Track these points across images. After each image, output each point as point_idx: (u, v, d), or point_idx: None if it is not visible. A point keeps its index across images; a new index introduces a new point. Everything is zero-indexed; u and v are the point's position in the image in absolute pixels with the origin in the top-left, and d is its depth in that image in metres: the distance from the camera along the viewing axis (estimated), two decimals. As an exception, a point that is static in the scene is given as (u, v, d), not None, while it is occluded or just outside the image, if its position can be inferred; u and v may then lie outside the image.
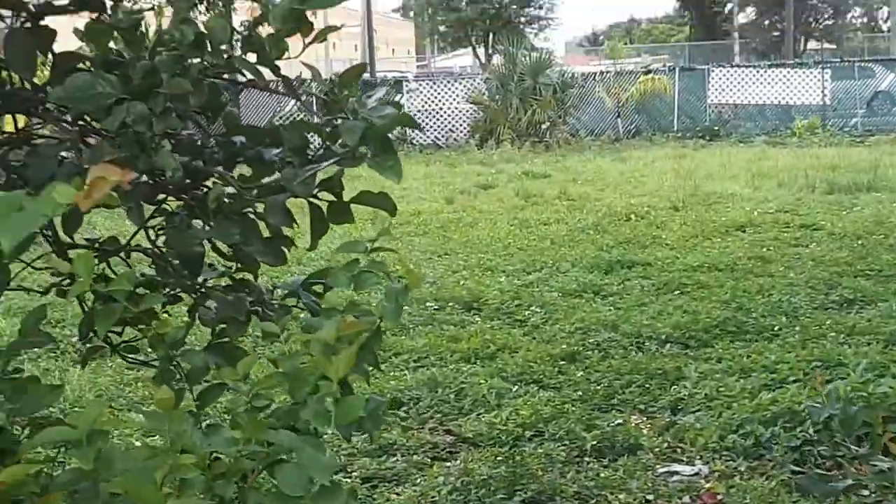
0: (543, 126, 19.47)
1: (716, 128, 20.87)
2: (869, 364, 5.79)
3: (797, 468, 4.55)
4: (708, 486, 4.67)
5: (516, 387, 6.11)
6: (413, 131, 18.75)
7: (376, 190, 1.90)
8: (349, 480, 5.04)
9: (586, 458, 4.98)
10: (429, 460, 5.21)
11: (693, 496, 4.58)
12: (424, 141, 20.93)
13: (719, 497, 4.50)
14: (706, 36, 39.97)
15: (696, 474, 4.86)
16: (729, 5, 41.54)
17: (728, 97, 21.52)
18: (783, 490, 4.41)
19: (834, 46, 39.30)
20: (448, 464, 5.15)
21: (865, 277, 8.34)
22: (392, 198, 1.86)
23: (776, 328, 6.94)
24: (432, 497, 4.74)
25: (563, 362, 6.55)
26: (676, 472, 4.91)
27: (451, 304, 8.02)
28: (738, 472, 4.71)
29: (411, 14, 35.62)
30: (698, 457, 5.00)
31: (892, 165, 14.88)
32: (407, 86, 22.28)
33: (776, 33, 36.71)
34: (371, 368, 1.81)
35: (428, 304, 8.10)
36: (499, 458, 4.98)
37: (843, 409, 4.73)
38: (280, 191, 1.78)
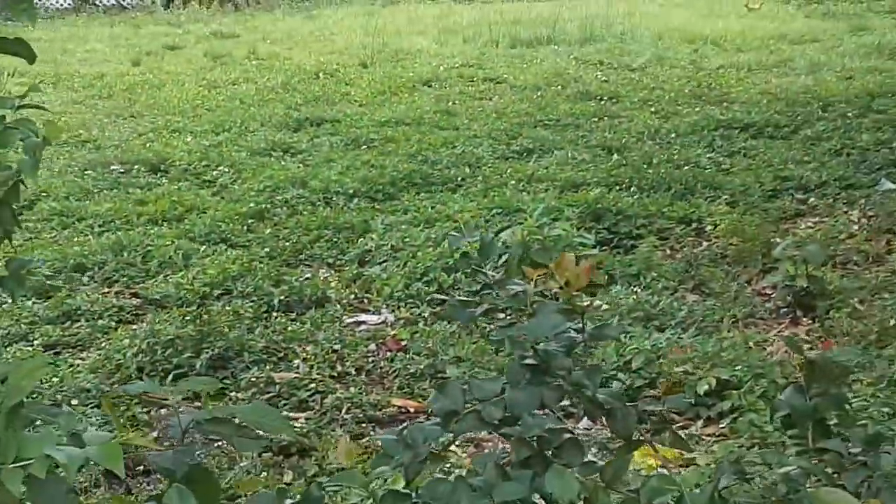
0: None
1: None
2: (545, 209, 6.32)
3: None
4: (393, 333, 4.94)
5: (204, 247, 6.21)
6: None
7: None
8: (31, 349, 5.03)
9: (274, 314, 5.13)
10: (114, 324, 5.26)
11: (378, 343, 4.85)
12: (108, 2, 20.26)
13: (403, 343, 4.81)
14: None
15: (382, 322, 5.16)
16: None
17: None
18: (464, 332, 4.75)
19: None
20: (134, 326, 5.20)
21: (544, 127, 9.06)
22: (30, 45, 1.70)
23: (460, 179, 7.45)
24: (117, 360, 4.72)
25: (251, 220, 6.73)
26: (363, 322, 5.19)
27: (136, 166, 8.01)
28: (422, 318, 5.14)
29: None
30: (384, 306, 5.32)
31: (571, 19, 15.64)
32: None
33: None
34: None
35: (113, 167, 8.06)
36: (186, 318, 5.01)
37: (521, 248, 5.28)
38: None
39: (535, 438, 1.62)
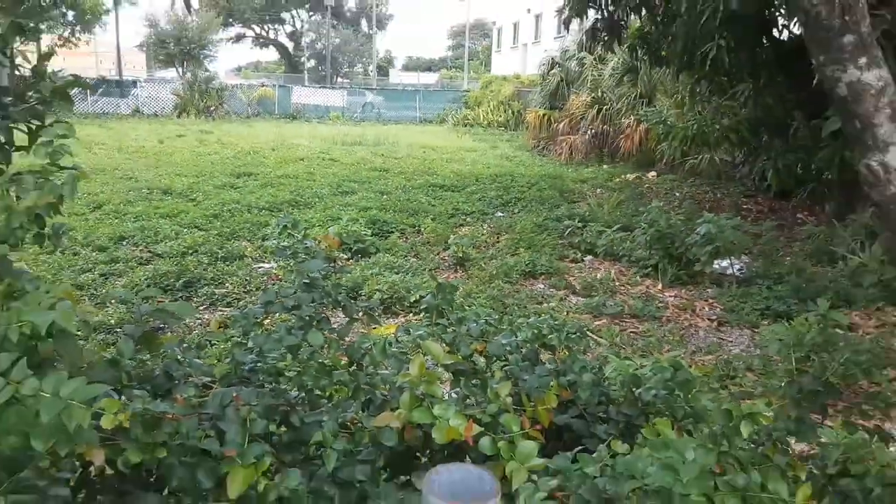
0: (211, 108, 26.14)
1: (295, 114, 27.96)
2: (349, 219, 8.10)
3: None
4: (275, 271, 6.42)
5: (186, 229, 7.81)
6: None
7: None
8: (92, 276, 5.94)
9: (218, 262, 6.65)
10: (137, 265, 6.40)
11: (268, 277, 6.33)
12: (150, 112, 26.32)
13: (280, 276, 6.13)
14: (292, 71, 58.03)
15: (271, 267, 6.67)
16: (302, 59, 62.28)
17: (301, 100, 29.38)
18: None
19: (349, 80, 57.80)
20: (148, 266, 6.32)
21: (354, 182, 11.45)
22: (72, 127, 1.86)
23: (314, 203, 9.51)
24: (137, 282, 5.82)
25: (212, 217, 8.36)
26: (262, 267, 6.73)
27: (155, 191, 10.21)
28: (290, 266, 6.37)
29: (144, 48, 45.68)
30: (272, 260, 6.80)
31: (368, 134, 20.02)
32: (139, 84, 28.64)
33: (323, 72, 54.50)
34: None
35: (143, 190, 10.20)
36: (174, 263, 6.35)
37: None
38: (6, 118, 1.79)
39: (308, 317, 1.87)
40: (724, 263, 6.66)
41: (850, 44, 1.11)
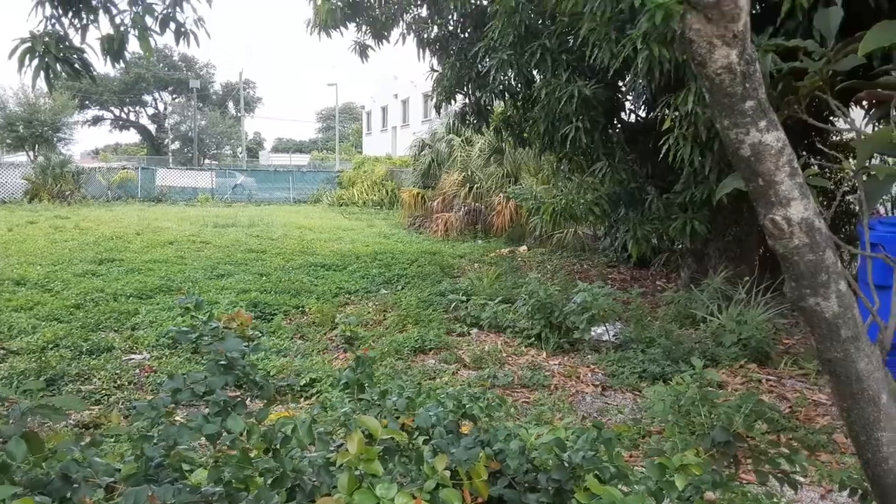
0: (67, 192, 24.55)
1: (160, 197, 27.20)
2: (229, 302, 7.92)
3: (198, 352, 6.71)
4: (148, 363, 6.10)
5: (44, 322, 7.18)
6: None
7: None
8: None
9: (83, 356, 6.18)
10: None
11: (140, 368, 5.91)
12: None
13: (153, 368, 5.87)
14: (155, 153, 57.98)
15: (143, 358, 6.30)
16: (166, 141, 61.48)
17: (167, 182, 28.53)
18: (187, 362, 5.91)
19: (218, 161, 57.97)
20: (2, 365, 5.91)
21: (229, 264, 11.09)
22: None
23: (187, 288, 8.99)
24: None
25: (73, 308, 7.79)
26: (133, 358, 6.31)
27: (6, 282, 9.17)
28: (164, 355, 6.21)
29: None
30: (145, 350, 6.54)
31: (241, 215, 20.30)
32: None
33: (189, 153, 55.37)
34: None
35: None
36: (32, 360, 5.95)
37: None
38: None
39: (223, 401, 1.75)
40: (600, 330, 6.98)
41: (751, 108, 1.24)
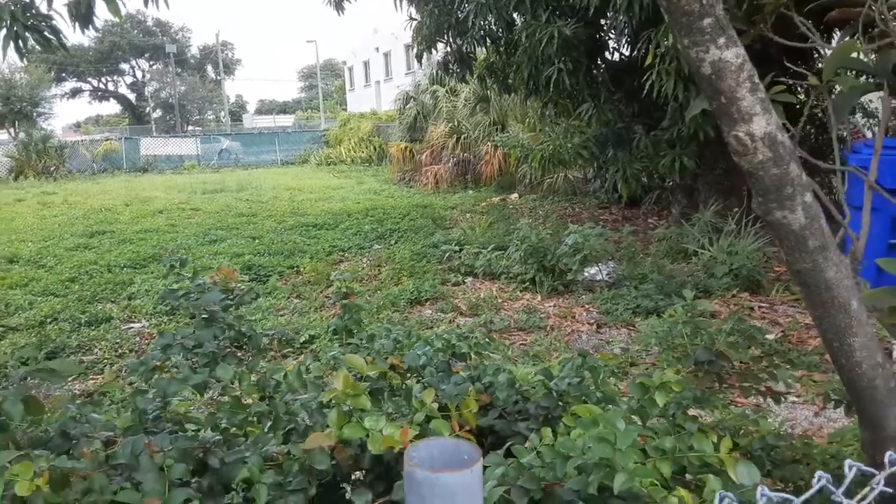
0: (52, 168, 24.12)
1: (146, 166, 26.59)
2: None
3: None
4: (147, 330, 6.22)
5: (41, 297, 7.19)
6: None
7: None
8: None
9: (82, 327, 6.26)
10: None
11: (141, 336, 5.98)
12: None
13: (153, 334, 5.93)
14: (137, 123, 56.27)
15: (142, 326, 6.41)
16: (147, 109, 59.99)
17: (151, 151, 27.98)
18: (186, 327, 6.37)
19: (201, 127, 56.82)
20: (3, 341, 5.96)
21: (221, 229, 11.06)
22: None
23: (181, 255, 9.05)
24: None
25: (68, 282, 7.80)
26: (132, 326, 6.42)
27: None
28: (163, 322, 6.36)
29: None
30: (143, 318, 6.61)
31: (229, 180, 19.92)
32: None
33: (171, 121, 53.73)
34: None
35: None
36: (32, 334, 6.06)
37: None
38: None
39: (212, 352, 1.82)
40: (594, 270, 7.05)
41: (709, 26, 1.23)
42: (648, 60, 6.92)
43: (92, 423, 1.61)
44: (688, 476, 1.47)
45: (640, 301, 6.07)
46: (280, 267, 8.29)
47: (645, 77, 7.03)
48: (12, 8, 6.41)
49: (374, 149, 24.77)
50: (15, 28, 6.39)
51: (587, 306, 6.33)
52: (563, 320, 6.02)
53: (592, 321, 5.95)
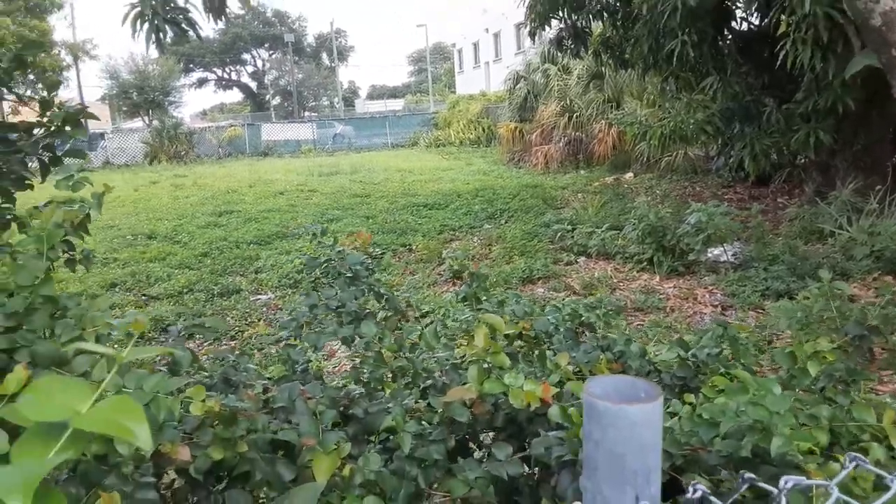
0: (182, 153, 26.36)
1: (266, 151, 28.44)
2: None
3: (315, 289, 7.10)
4: (274, 301, 6.55)
5: (177, 270, 7.72)
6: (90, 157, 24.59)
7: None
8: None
9: (215, 298, 6.69)
10: (133, 308, 6.38)
11: (267, 307, 6.39)
12: (120, 162, 26.53)
13: (279, 305, 6.34)
14: (258, 110, 58.24)
15: (269, 298, 6.74)
16: (267, 97, 63.93)
17: (271, 136, 29.68)
18: (310, 286, 6.49)
19: (317, 113, 57.85)
20: (145, 309, 6.35)
21: (337, 209, 11.51)
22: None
23: (299, 234, 9.13)
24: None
25: (201, 257, 8.34)
26: (259, 298, 6.75)
27: (139, 236, 9.93)
28: (288, 295, 6.67)
29: (106, 100, 45.62)
30: (269, 290, 6.96)
31: (343, 163, 20.98)
32: (107, 136, 27.95)
33: (289, 107, 56.52)
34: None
35: (127, 237, 10.06)
36: (170, 304, 6.50)
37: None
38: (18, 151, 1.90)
39: (355, 311, 1.90)
40: (718, 251, 6.75)
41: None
42: (782, 29, 6.49)
43: (248, 373, 1.75)
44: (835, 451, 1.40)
45: (769, 283, 5.76)
46: (393, 245, 8.52)
47: (777, 47, 6.60)
48: (153, 2, 6.92)
49: (483, 130, 24.79)
50: (156, 21, 6.90)
51: (710, 288, 6.08)
52: (684, 301, 5.82)
53: (717, 303, 5.72)
